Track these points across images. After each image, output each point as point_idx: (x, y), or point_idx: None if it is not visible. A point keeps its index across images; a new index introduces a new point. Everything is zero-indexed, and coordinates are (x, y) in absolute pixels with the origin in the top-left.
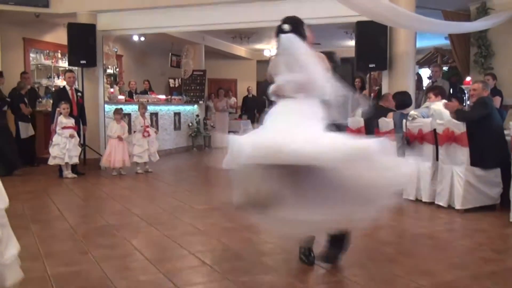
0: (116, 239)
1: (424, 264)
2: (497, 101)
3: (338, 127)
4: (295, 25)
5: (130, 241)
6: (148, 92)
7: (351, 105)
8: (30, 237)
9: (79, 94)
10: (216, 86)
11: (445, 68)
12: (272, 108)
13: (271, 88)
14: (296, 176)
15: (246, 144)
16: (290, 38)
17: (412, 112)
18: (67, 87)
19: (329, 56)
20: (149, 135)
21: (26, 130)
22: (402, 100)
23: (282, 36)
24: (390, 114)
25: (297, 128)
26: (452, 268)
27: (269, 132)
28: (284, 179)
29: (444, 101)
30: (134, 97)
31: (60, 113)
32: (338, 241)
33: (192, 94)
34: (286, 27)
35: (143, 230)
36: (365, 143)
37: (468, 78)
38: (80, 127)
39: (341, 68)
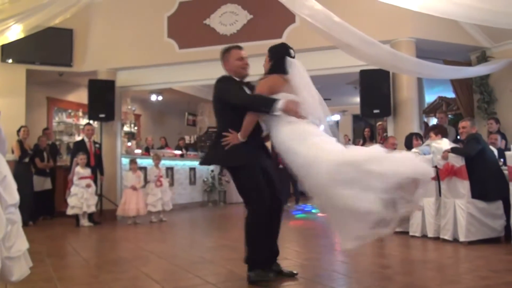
0: (126, 267)
1: (420, 281)
2: (502, 144)
3: None
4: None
5: (139, 268)
6: (164, 148)
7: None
8: (44, 266)
9: (97, 145)
10: None
11: (450, 116)
12: (301, 126)
13: (284, 103)
14: None
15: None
16: (301, 64)
17: (414, 149)
18: (86, 139)
19: None
20: (161, 185)
21: (41, 183)
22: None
23: (295, 60)
24: None
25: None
26: (447, 283)
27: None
28: None
29: (445, 139)
30: (150, 152)
31: (77, 164)
32: None
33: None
34: (293, 52)
35: (153, 261)
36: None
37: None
38: (97, 176)
39: (355, 124)
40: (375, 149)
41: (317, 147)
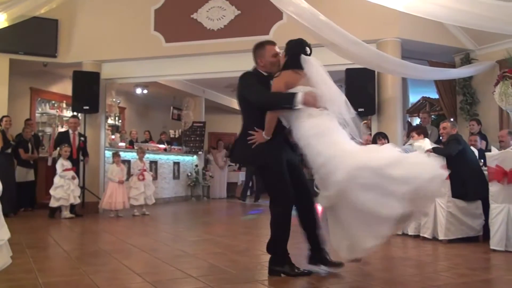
0: (107, 259)
1: (399, 278)
2: (482, 144)
3: None
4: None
5: (121, 261)
6: (148, 142)
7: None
8: (25, 258)
9: (82, 138)
10: (216, 139)
11: (433, 116)
12: (322, 121)
13: (303, 96)
14: None
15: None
16: (316, 61)
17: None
18: (70, 131)
19: None
20: (143, 179)
21: (24, 174)
22: None
23: (310, 58)
24: None
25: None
26: (426, 280)
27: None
28: None
29: (427, 139)
30: (134, 146)
31: (60, 156)
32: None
33: (191, 145)
34: (309, 50)
35: (134, 254)
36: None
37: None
38: (79, 169)
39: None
40: (394, 151)
41: (337, 147)
